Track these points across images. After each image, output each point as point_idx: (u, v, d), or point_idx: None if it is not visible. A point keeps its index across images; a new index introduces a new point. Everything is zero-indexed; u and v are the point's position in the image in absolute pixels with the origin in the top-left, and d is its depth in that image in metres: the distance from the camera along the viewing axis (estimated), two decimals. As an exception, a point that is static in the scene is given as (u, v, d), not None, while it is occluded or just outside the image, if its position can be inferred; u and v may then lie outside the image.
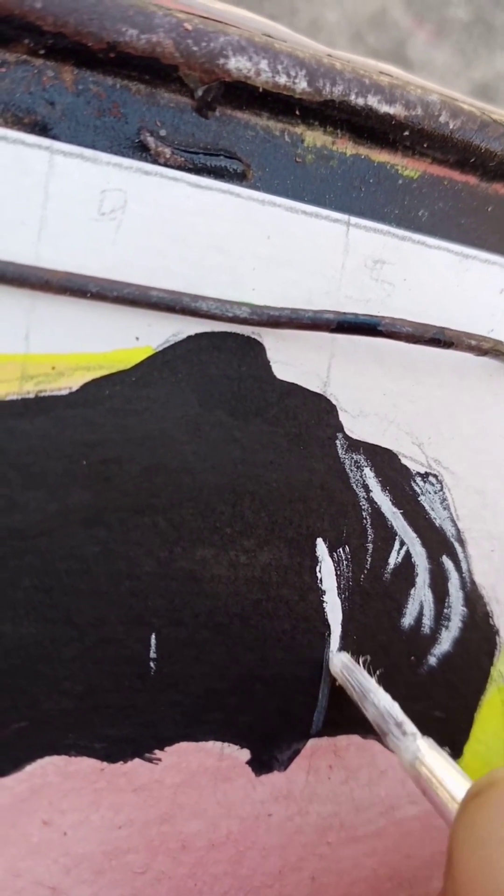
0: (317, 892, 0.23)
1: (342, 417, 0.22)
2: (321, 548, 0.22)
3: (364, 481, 0.23)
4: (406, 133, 0.22)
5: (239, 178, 0.21)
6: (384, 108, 0.21)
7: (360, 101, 0.21)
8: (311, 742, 0.23)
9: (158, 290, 0.19)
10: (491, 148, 0.23)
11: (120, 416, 0.19)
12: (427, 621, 0.24)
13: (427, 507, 0.24)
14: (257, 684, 0.22)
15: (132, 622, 0.20)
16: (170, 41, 0.18)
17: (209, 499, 0.21)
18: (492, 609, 0.25)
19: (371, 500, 0.23)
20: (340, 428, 0.22)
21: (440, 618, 0.24)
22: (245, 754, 0.22)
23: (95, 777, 0.20)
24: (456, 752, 0.25)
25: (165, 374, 0.20)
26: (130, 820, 0.20)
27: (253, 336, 0.21)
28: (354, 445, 0.23)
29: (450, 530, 0.24)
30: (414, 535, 0.24)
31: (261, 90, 0.20)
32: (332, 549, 0.22)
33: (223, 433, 0.21)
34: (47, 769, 0.19)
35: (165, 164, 0.20)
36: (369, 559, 0.23)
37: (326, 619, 0.23)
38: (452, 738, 0.25)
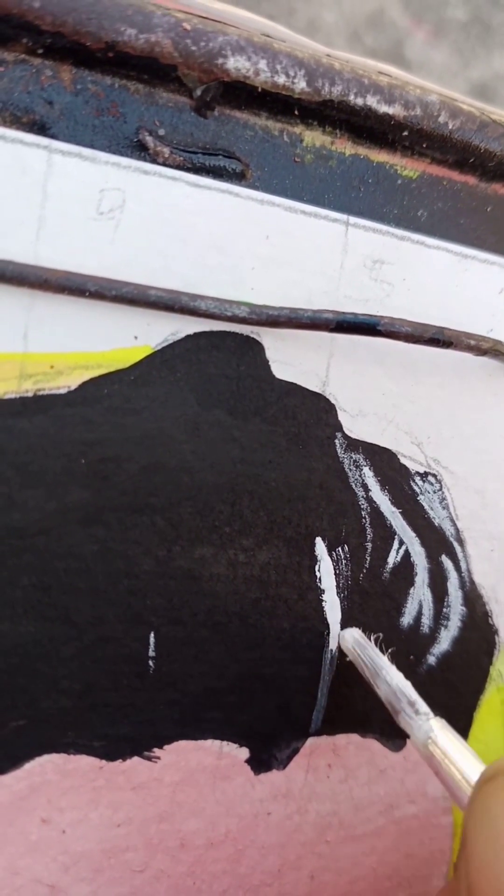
0: (316, 891, 0.23)
1: (341, 417, 0.22)
2: (320, 547, 0.22)
3: (363, 481, 0.23)
4: (405, 133, 0.22)
5: (238, 177, 0.21)
6: (383, 108, 0.21)
7: (359, 101, 0.21)
8: (310, 741, 0.23)
9: (157, 289, 0.19)
10: (490, 148, 0.23)
11: (118, 415, 0.20)
12: (426, 621, 0.24)
13: (426, 507, 0.24)
14: (256, 683, 0.22)
15: (131, 621, 0.20)
16: (168, 41, 0.18)
17: (208, 498, 0.21)
18: (491, 609, 0.25)
19: (370, 500, 0.23)
20: (339, 427, 0.22)
21: (439, 617, 0.24)
22: (244, 753, 0.22)
23: (94, 775, 0.20)
24: (455, 751, 0.25)
25: (164, 373, 0.20)
26: (129, 818, 0.20)
27: (252, 335, 0.21)
28: (353, 445, 0.23)
29: (449, 530, 0.24)
30: (413, 534, 0.24)
31: (259, 90, 0.20)
32: (330, 549, 0.22)
33: (222, 432, 0.21)
34: (46, 767, 0.19)
35: (164, 164, 0.20)
36: (368, 558, 0.23)
37: (325, 618, 0.23)
38: (451, 737, 0.25)
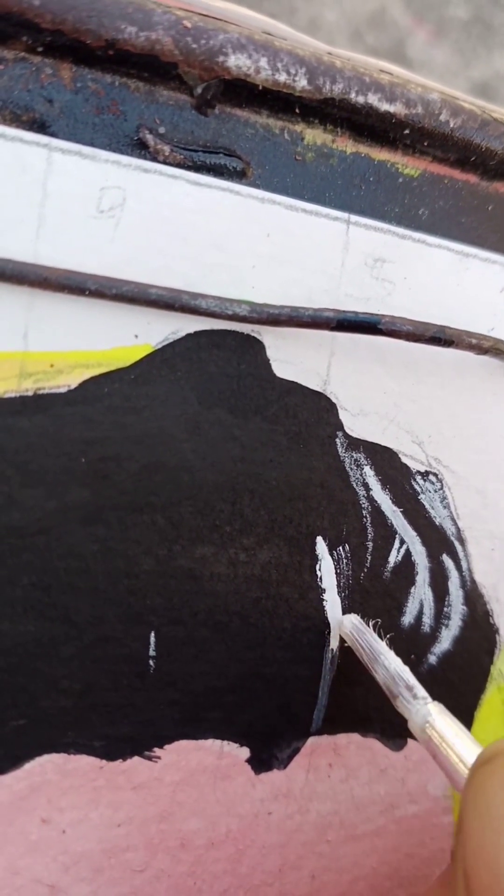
0: (316, 891, 0.23)
1: (342, 416, 0.22)
2: (321, 546, 0.22)
3: (364, 480, 0.23)
4: (406, 131, 0.22)
5: (238, 175, 0.21)
6: (384, 107, 0.21)
7: (361, 100, 0.21)
8: (311, 740, 0.23)
9: (157, 287, 0.19)
10: (491, 146, 0.23)
11: (119, 414, 0.19)
12: (427, 620, 0.24)
13: (427, 506, 0.24)
14: (257, 682, 0.22)
15: (131, 620, 0.20)
16: (169, 39, 0.18)
17: (208, 497, 0.21)
18: (492, 608, 0.25)
19: (371, 499, 0.23)
20: (340, 426, 0.22)
21: (440, 616, 0.24)
22: (245, 752, 0.22)
23: (94, 775, 0.20)
24: (456, 751, 0.25)
25: (164, 371, 0.20)
26: (130, 818, 0.20)
27: (252, 334, 0.21)
28: (354, 444, 0.23)
29: (450, 529, 0.24)
30: (414, 533, 0.24)
31: (260, 88, 0.20)
32: (331, 548, 0.22)
33: (222, 431, 0.21)
34: (46, 767, 0.19)
35: (164, 162, 0.20)
36: (369, 557, 0.23)
37: (326, 618, 0.23)
38: (452, 737, 0.25)
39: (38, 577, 0.19)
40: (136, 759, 0.20)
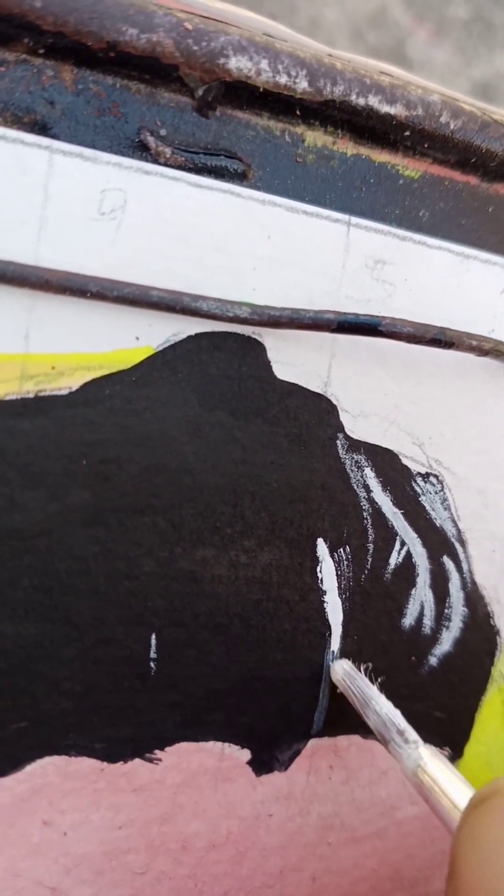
0: (317, 893, 0.23)
1: (343, 418, 0.22)
2: (322, 548, 0.22)
3: (365, 481, 0.23)
4: (407, 133, 0.22)
5: (239, 177, 0.21)
6: (385, 109, 0.21)
7: (361, 101, 0.21)
8: (312, 742, 0.23)
9: (159, 289, 0.19)
10: (492, 148, 0.23)
11: (120, 416, 0.19)
12: (428, 621, 0.24)
13: (428, 508, 0.24)
14: (258, 684, 0.22)
15: (132, 622, 0.20)
16: (170, 41, 0.18)
17: (209, 499, 0.21)
18: (493, 609, 0.25)
19: (372, 501, 0.23)
20: (341, 428, 0.22)
21: (441, 618, 0.24)
22: (245, 754, 0.22)
23: (95, 777, 0.20)
24: (456, 753, 0.25)
25: (166, 373, 0.20)
26: (131, 820, 0.20)
27: (253, 336, 0.21)
28: (355, 446, 0.23)
29: (450, 530, 0.24)
30: (415, 535, 0.24)
31: (261, 90, 0.20)
32: (332, 550, 0.22)
33: (223, 433, 0.21)
34: (47, 769, 0.19)
35: (165, 164, 0.20)
36: (370, 559, 0.23)
37: (327, 620, 0.23)
38: (453, 739, 0.25)
39: (39, 579, 0.19)
40: (137, 761, 0.20)
